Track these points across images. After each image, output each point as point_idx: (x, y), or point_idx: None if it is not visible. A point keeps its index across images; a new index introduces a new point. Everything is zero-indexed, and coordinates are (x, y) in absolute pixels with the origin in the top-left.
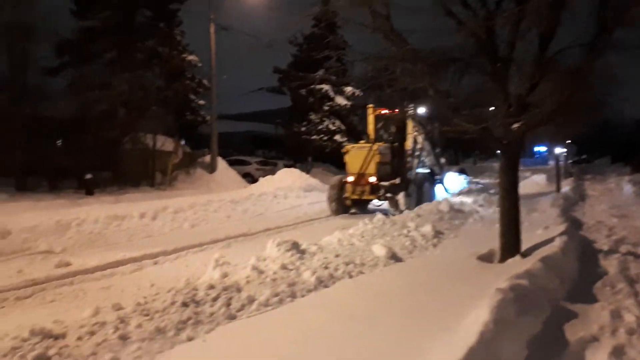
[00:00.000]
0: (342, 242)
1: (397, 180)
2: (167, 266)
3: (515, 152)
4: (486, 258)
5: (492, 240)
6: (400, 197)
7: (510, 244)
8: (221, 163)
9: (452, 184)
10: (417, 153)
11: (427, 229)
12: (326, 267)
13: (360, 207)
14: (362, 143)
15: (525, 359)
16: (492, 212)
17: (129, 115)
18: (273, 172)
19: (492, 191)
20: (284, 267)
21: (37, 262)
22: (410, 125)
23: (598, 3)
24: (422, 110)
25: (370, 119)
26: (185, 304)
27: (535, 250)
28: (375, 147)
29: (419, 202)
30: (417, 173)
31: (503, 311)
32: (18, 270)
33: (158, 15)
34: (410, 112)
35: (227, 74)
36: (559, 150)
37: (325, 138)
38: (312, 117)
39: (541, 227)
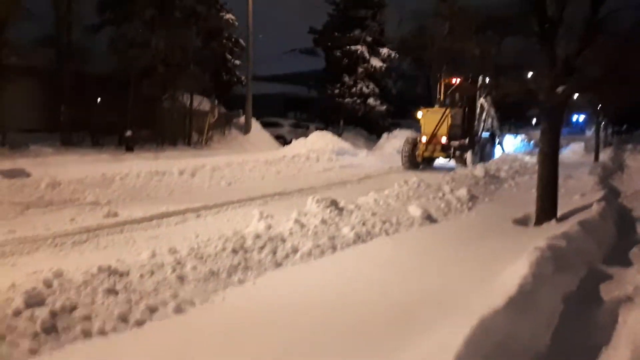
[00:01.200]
0: (379, 202)
1: (466, 141)
2: (209, 219)
3: (558, 117)
4: (521, 221)
5: (528, 205)
6: (468, 155)
7: (547, 208)
8: (255, 124)
9: (509, 146)
10: (482, 118)
11: (462, 192)
12: (364, 224)
13: (428, 163)
14: (435, 107)
15: (561, 312)
16: (528, 179)
17: (168, 74)
18: (305, 135)
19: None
20: (323, 221)
21: (86, 212)
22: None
23: None
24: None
25: (440, 86)
26: (235, 251)
27: (571, 215)
28: (447, 111)
29: (481, 160)
30: (481, 135)
31: (541, 267)
32: (71, 219)
33: None
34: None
35: (263, 33)
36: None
37: (359, 101)
38: (346, 79)
39: (578, 194)
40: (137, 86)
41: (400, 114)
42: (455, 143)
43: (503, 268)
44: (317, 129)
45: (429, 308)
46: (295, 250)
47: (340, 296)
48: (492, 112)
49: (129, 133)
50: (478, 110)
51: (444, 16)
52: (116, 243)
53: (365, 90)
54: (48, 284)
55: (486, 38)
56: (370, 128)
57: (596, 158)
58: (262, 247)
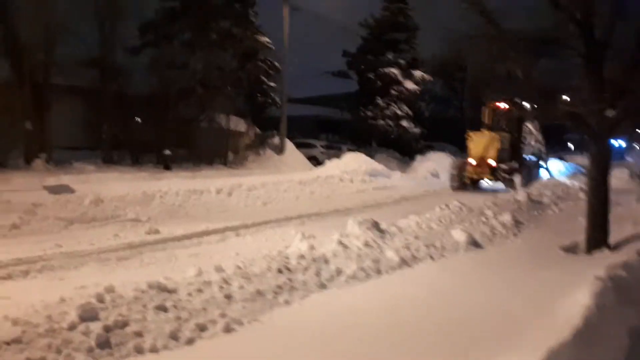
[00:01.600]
0: (421, 225)
1: (514, 164)
2: (249, 238)
3: (607, 141)
4: (570, 249)
5: (575, 233)
6: (517, 178)
7: (597, 236)
8: (289, 145)
9: (555, 169)
10: (528, 141)
11: (507, 217)
12: (407, 248)
13: (475, 186)
14: (483, 131)
15: (628, 348)
16: (572, 205)
17: (205, 95)
18: (337, 156)
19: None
20: (367, 244)
21: (128, 228)
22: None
23: None
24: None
25: (487, 111)
26: (280, 271)
27: (625, 244)
28: (495, 135)
29: (528, 183)
30: (528, 158)
31: (604, 298)
32: (114, 235)
33: None
34: (524, 106)
35: (296, 56)
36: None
37: (392, 123)
38: (379, 101)
39: (629, 222)
40: (175, 106)
41: (432, 137)
42: (504, 166)
43: (560, 297)
44: (349, 150)
45: (489, 338)
46: (339, 272)
47: (390, 324)
48: (539, 136)
49: (167, 152)
50: (524, 134)
51: (488, 37)
52: (159, 260)
53: (398, 112)
54: (100, 299)
55: (529, 60)
56: (402, 150)
57: None
58: (306, 268)
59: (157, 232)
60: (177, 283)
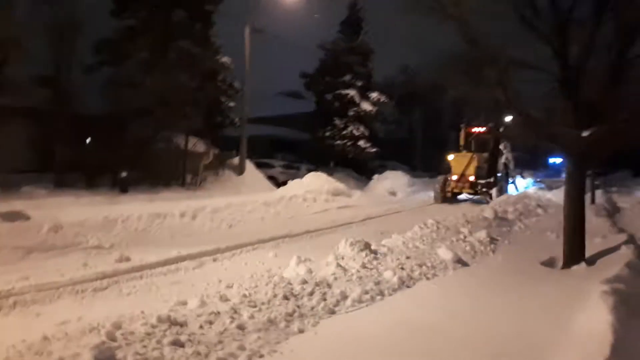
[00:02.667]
0: (407, 244)
1: (490, 180)
2: (227, 263)
3: (583, 161)
4: (549, 264)
5: (548, 248)
6: (493, 191)
7: (575, 251)
8: (249, 166)
9: (520, 184)
10: (501, 160)
11: (482, 234)
12: (402, 268)
13: (454, 198)
14: (464, 152)
15: None
16: (535, 221)
17: (162, 115)
18: (296, 176)
19: (551, 191)
20: (364, 266)
21: (95, 256)
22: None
23: None
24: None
25: (463, 134)
26: (286, 297)
27: (599, 258)
28: (474, 155)
29: (500, 195)
30: (500, 175)
31: (620, 312)
32: (83, 264)
33: (193, 16)
34: (497, 130)
35: (253, 76)
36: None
37: (349, 143)
38: (337, 122)
39: (596, 236)
40: (131, 127)
41: (385, 156)
42: (482, 181)
43: (573, 313)
44: (308, 170)
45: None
46: (344, 296)
47: (413, 351)
48: (508, 155)
49: (124, 174)
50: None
51: (473, 61)
52: (139, 289)
53: (355, 132)
54: (112, 337)
55: (508, 85)
56: (359, 169)
57: (592, 200)
58: (311, 293)
59: (128, 259)
60: (186, 315)
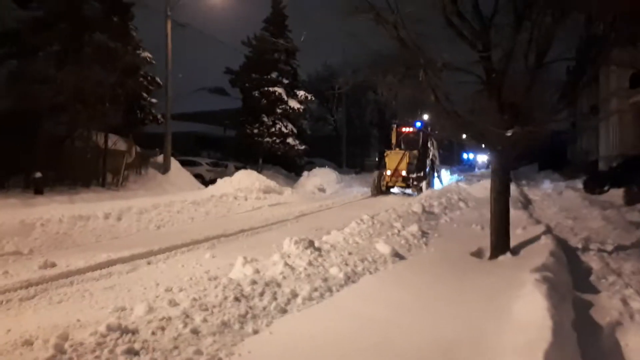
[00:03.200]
0: (347, 240)
1: (420, 174)
2: (162, 266)
3: (507, 157)
4: (478, 254)
5: (475, 239)
6: (423, 184)
7: (501, 242)
8: (174, 164)
9: (444, 178)
10: (429, 156)
11: (414, 228)
12: (346, 264)
13: (388, 191)
14: (397, 150)
15: (578, 340)
16: (459, 215)
17: (79, 112)
18: (224, 174)
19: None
20: (310, 263)
21: (14, 263)
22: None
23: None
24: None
25: (394, 133)
26: (237, 299)
27: (522, 248)
28: (406, 152)
29: (428, 188)
30: (428, 169)
31: (553, 298)
32: (3, 272)
33: (110, 9)
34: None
35: (176, 71)
36: (483, 157)
37: (278, 141)
38: (265, 119)
39: (516, 227)
40: (45, 124)
41: (312, 153)
42: (413, 175)
43: (506, 302)
44: (236, 167)
45: (466, 349)
46: (295, 294)
47: (369, 346)
48: (435, 152)
49: (38, 175)
50: (426, 151)
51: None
52: (71, 296)
53: (284, 130)
54: (61, 350)
55: (440, 86)
56: (287, 166)
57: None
58: (262, 294)
59: (53, 265)
60: (135, 322)
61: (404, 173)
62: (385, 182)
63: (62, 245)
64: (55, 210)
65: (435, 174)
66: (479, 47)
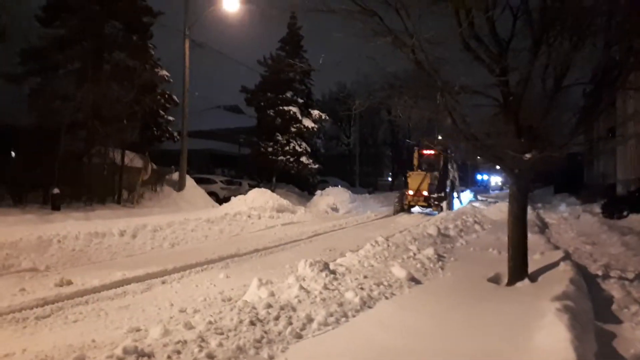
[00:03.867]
0: (362, 263)
1: (442, 194)
2: (177, 286)
3: (525, 181)
4: (495, 280)
5: (492, 264)
6: (444, 204)
7: (518, 268)
8: (189, 181)
9: (464, 199)
10: (449, 178)
11: (430, 252)
12: (362, 288)
13: (409, 210)
14: (419, 171)
15: None
16: (475, 238)
17: (97, 129)
18: (238, 192)
19: (487, 207)
20: (325, 287)
21: (31, 280)
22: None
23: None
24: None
25: (416, 155)
26: (252, 323)
27: (540, 274)
28: (427, 174)
29: (449, 208)
30: (448, 190)
31: (576, 330)
32: (20, 289)
33: (130, 28)
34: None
35: (192, 89)
36: (497, 178)
37: (292, 159)
38: (280, 138)
39: (533, 252)
40: (63, 141)
41: (325, 172)
42: (434, 195)
43: (533, 331)
44: (250, 185)
45: None
46: (310, 319)
47: None
48: (455, 173)
49: (56, 191)
50: (446, 173)
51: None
52: (86, 316)
53: (298, 148)
54: None
55: (457, 109)
56: (300, 185)
57: None
58: (277, 318)
59: (70, 283)
60: (151, 345)
61: (425, 193)
62: (407, 202)
63: (78, 262)
64: (71, 227)
65: (455, 195)
66: (496, 70)
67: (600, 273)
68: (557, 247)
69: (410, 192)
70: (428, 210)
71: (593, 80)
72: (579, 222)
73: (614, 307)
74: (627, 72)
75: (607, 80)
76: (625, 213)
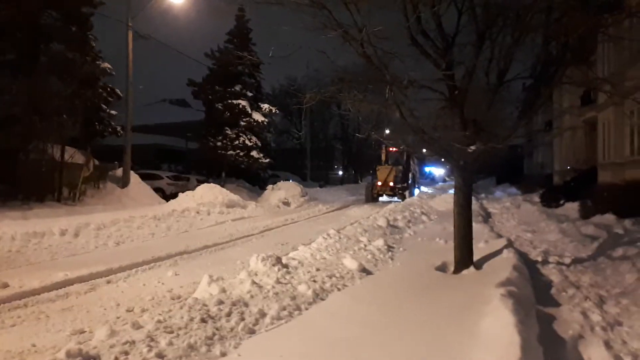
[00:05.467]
0: (315, 256)
1: (405, 184)
2: (123, 285)
3: (470, 172)
4: (442, 269)
5: (438, 253)
6: (407, 193)
7: (464, 256)
8: (134, 177)
9: (422, 189)
10: (411, 171)
11: (380, 243)
12: (314, 281)
13: (377, 199)
14: (385, 165)
15: (544, 353)
16: (423, 228)
17: (33, 123)
18: (186, 187)
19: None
20: (278, 281)
21: None
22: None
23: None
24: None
25: (384, 152)
26: (203, 320)
27: (485, 262)
28: (393, 167)
29: (411, 196)
30: (410, 181)
31: (519, 314)
32: None
33: (68, 18)
34: (403, 148)
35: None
36: (440, 170)
37: (242, 154)
38: (229, 132)
39: (478, 241)
40: None
41: (276, 166)
42: (399, 186)
43: (474, 318)
44: (198, 181)
45: None
46: (263, 314)
47: None
48: (415, 166)
49: None
50: (408, 165)
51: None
52: (25, 319)
53: (248, 143)
54: None
55: (405, 103)
56: (251, 180)
57: None
58: (229, 314)
59: (6, 285)
60: (97, 347)
61: (391, 184)
62: (376, 191)
63: (14, 264)
64: (7, 227)
65: (416, 185)
66: (442, 65)
67: (540, 259)
68: (500, 236)
69: (379, 183)
70: (394, 198)
71: (532, 74)
72: (520, 211)
73: (552, 291)
74: (564, 67)
75: (546, 75)
76: (561, 202)
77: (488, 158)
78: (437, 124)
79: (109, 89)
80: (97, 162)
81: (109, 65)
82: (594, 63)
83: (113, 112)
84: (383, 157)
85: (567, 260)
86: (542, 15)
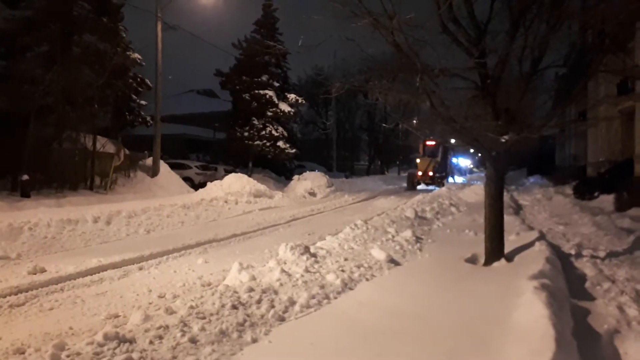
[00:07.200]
0: (343, 246)
1: (443, 174)
2: (154, 272)
3: (502, 163)
4: (472, 261)
5: (468, 245)
6: (445, 182)
7: (495, 248)
8: (163, 167)
9: (456, 179)
10: (448, 162)
11: (408, 234)
12: (343, 270)
13: (416, 187)
14: (425, 157)
15: (578, 348)
16: (452, 220)
17: (67, 113)
18: (214, 177)
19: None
20: (307, 270)
21: (2, 268)
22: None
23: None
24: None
25: (421, 145)
26: (234, 307)
27: (516, 254)
28: (431, 159)
29: (447, 184)
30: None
31: (553, 307)
32: None
33: (99, 9)
34: (440, 141)
35: (165, 73)
36: (466, 161)
37: (269, 144)
38: (256, 122)
39: (509, 233)
40: (32, 126)
41: (302, 157)
42: (437, 175)
43: (507, 310)
44: (226, 170)
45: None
46: (292, 302)
47: (359, 352)
48: (451, 159)
49: (25, 177)
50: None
51: (402, 69)
52: (62, 303)
53: (274, 133)
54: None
55: (435, 92)
56: (277, 170)
57: None
58: (259, 301)
59: (43, 270)
60: (132, 331)
61: (430, 174)
62: (416, 180)
63: (50, 250)
64: (43, 214)
65: (450, 176)
66: (474, 53)
67: (573, 252)
68: (531, 228)
69: (420, 173)
70: (431, 187)
71: (567, 63)
72: (552, 203)
73: (587, 284)
74: (600, 55)
75: (582, 63)
76: (596, 194)
77: (520, 149)
78: (468, 113)
79: (138, 80)
80: (127, 152)
81: (139, 56)
82: (632, 50)
83: (143, 102)
84: (421, 150)
85: (602, 254)
86: (578, 1)
